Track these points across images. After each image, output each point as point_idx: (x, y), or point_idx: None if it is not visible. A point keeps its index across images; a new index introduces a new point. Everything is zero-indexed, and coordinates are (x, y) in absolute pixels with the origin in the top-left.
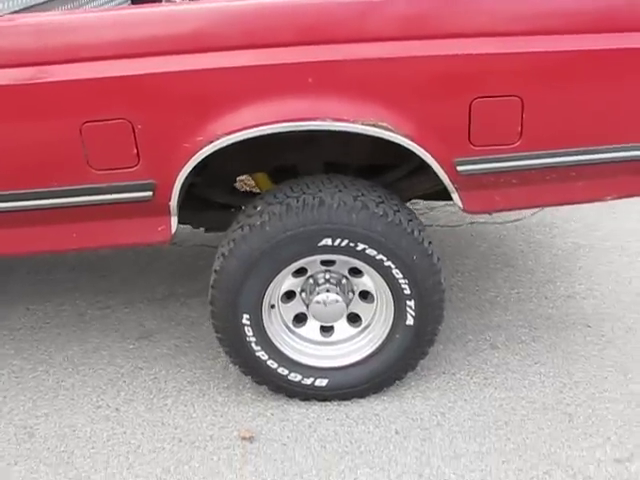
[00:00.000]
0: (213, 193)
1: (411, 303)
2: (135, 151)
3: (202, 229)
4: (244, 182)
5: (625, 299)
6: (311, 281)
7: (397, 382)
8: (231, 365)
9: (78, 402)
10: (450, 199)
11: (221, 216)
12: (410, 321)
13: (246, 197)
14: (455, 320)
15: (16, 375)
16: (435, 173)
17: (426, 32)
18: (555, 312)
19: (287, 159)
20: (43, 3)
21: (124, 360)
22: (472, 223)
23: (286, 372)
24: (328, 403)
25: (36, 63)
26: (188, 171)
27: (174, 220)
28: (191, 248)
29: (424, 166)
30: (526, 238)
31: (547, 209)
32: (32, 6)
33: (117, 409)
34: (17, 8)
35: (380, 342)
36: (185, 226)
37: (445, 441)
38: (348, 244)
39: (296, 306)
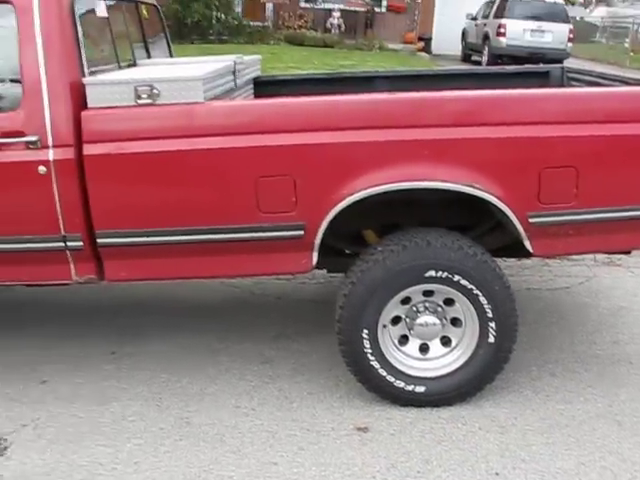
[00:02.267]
0: (338, 241)
1: (492, 324)
2: (294, 199)
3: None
4: None
5: None
6: (414, 309)
7: (478, 392)
8: (341, 382)
9: (220, 403)
10: (511, 256)
11: (340, 260)
12: (492, 339)
13: (356, 245)
14: (521, 356)
15: (165, 384)
16: (509, 228)
17: (508, 120)
18: (602, 353)
19: (395, 218)
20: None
21: (252, 377)
22: (528, 289)
23: (393, 379)
24: (423, 408)
25: (229, 133)
26: (332, 216)
27: (315, 255)
28: (297, 301)
29: (499, 225)
30: (575, 301)
31: (594, 278)
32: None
33: (253, 409)
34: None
35: (466, 358)
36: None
37: (519, 435)
38: (447, 275)
39: (401, 328)
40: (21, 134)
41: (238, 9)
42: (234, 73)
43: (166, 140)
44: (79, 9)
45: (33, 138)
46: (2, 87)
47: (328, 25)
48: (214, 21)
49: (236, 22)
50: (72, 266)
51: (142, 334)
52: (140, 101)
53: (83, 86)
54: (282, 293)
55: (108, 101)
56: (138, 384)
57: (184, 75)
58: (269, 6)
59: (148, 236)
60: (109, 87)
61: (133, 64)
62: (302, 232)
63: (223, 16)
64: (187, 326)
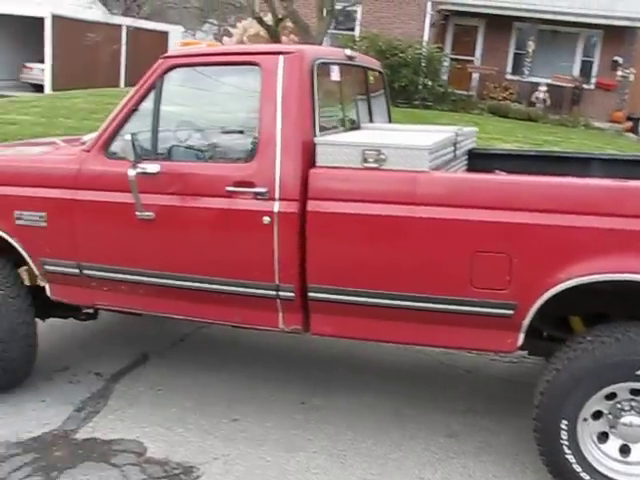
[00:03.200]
0: (542, 324)
1: None
2: (508, 278)
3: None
4: None
5: None
6: (618, 406)
7: None
8: (528, 469)
9: (404, 471)
10: None
11: (542, 343)
12: None
13: (560, 330)
14: None
15: (350, 442)
16: None
17: None
18: None
19: (603, 308)
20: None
21: (437, 449)
22: None
23: (587, 477)
24: None
25: (450, 205)
26: (545, 299)
27: (521, 336)
28: (487, 377)
29: None
30: None
31: None
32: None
33: None
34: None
35: None
36: None
37: None
38: None
39: (602, 425)
40: (252, 185)
41: (444, 77)
42: (455, 144)
43: (387, 205)
44: (317, 73)
45: (262, 190)
46: (239, 139)
47: (533, 99)
48: (420, 87)
49: (442, 89)
50: (281, 315)
51: (331, 389)
52: (366, 164)
53: (314, 145)
54: (472, 367)
55: (336, 161)
56: (324, 438)
57: (412, 143)
58: (475, 76)
59: (358, 296)
60: (338, 148)
61: (357, 127)
62: (512, 312)
63: (429, 83)
64: (374, 386)
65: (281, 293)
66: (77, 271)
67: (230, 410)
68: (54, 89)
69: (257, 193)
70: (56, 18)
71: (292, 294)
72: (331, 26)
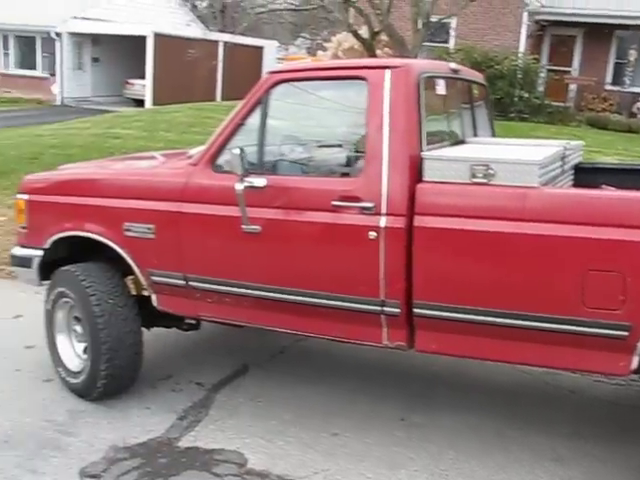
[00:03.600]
0: None
1: None
2: (622, 298)
3: None
4: None
5: None
6: None
7: None
8: None
9: None
10: None
11: None
12: None
13: None
14: None
15: (452, 462)
16: None
17: None
18: None
19: None
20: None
21: (542, 473)
22: None
23: None
24: None
25: (561, 221)
26: None
27: (636, 359)
28: (592, 399)
29: None
30: None
31: None
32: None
33: None
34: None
35: None
36: None
37: None
38: None
39: None
40: (358, 199)
41: (540, 88)
42: (563, 159)
43: (495, 221)
44: (424, 87)
45: (369, 204)
46: (345, 154)
47: (634, 109)
48: (516, 99)
49: (538, 101)
50: (385, 330)
51: (432, 406)
52: (475, 179)
53: (421, 160)
54: (576, 387)
55: (443, 176)
56: (426, 456)
57: (522, 158)
58: (573, 87)
59: (465, 313)
60: (446, 163)
61: (462, 141)
62: (626, 333)
63: (526, 95)
64: (476, 405)
65: (386, 309)
66: (183, 282)
67: (329, 424)
68: (154, 104)
69: (363, 208)
70: (157, 36)
71: (397, 310)
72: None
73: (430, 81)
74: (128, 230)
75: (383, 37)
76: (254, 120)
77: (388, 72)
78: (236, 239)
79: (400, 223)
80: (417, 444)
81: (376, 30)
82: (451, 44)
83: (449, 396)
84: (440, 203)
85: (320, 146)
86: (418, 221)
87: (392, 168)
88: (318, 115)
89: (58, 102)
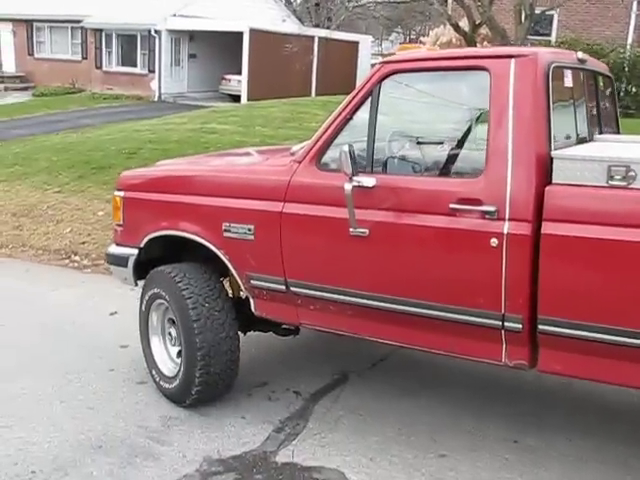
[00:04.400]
0: None
1: None
2: None
3: None
4: None
5: None
6: None
7: None
8: None
9: None
10: None
11: None
12: None
13: None
14: None
15: None
16: None
17: None
18: None
19: None
20: None
21: None
22: None
23: None
24: None
25: None
26: None
27: None
28: None
29: None
30: None
31: None
32: None
33: None
34: None
35: None
36: None
37: None
38: None
39: None
40: (478, 202)
41: None
42: None
43: (636, 229)
44: (552, 78)
45: (491, 208)
46: (464, 152)
47: None
48: (622, 94)
49: None
50: (504, 347)
51: (546, 428)
52: (612, 182)
53: (550, 160)
54: None
55: (575, 178)
56: None
57: None
58: None
59: (597, 332)
60: (580, 163)
61: (589, 139)
62: None
63: (633, 89)
64: (595, 429)
65: (507, 324)
66: (284, 288)
67: (435, 443)
68: (249, 99)
69: (484, 212)
70: (253, 32)
71: (520, 325)
72: None
73: (559, 72)
74: (227, 231)
75: (482, 30)
76: (363, 114)
77: (513, 62)
78: (342, 243)
79: (526, 230)
80: (530, 470)
81: (477, 22)
82: (553, 37)
83: (563, 417)
84: (572, 208)
85: (435, 143)
86: (546, 228)
87: (517, 168)
88: (433, 109)
89: (156, 98)
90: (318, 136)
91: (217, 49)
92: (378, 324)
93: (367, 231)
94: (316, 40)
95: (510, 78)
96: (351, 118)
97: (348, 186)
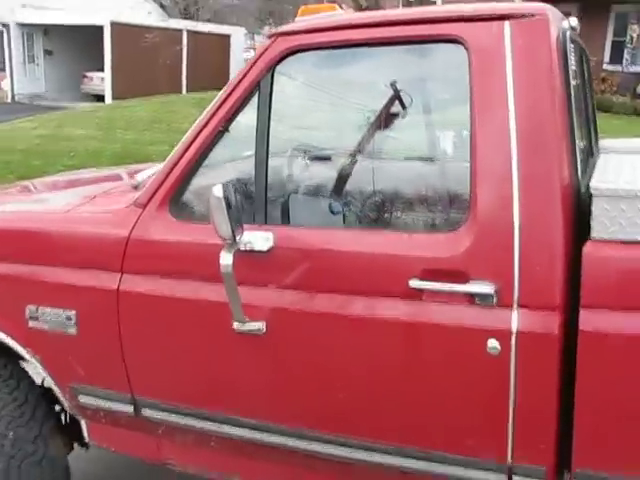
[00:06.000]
0: None
1: None
2: None
3: None
4: None
5: None
6: None
7: None
8: None
9: None
10: None
11: None
12: None
13: None
14: None
15: None
16: None
17: None
18: None
19: None
20: None
21: None
22: None
23: None
24: None
25: None
26: None
27: None
28: None
29: None
30: None
31: None
32: None
33: None
34: None
35: None
36: None
37: None
38: None
39: None
40: (460, 276)
41: None
42: None
43: None
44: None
45: (485, 287)
46: (426, 185)
47: (639, 90)
48: None
49: None
50: None
51: None
52: None
53: (588, 197)
54: None
55: (622, 228)
56: None
57: None
58: None
59: None
60: (627, 202)
61: (594, 151)
62: None
63: None
64: None
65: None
66: (131, 409)
67: None
68: (115, 98)
69: (473, 294)
70: (115, 25)
71: None
72: None
73: (569, 45)
74: (33, 318)
75: None
76: (245, 121)
77: (507, 25)
78: (222, 343)
79: (552, 324)
80: None
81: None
82: None
83: None
84: (630, 283)
85: (376, 169)
86: (588, 319)
87: (527, 214)
88: (366, 110)
89: (9, 99)
90: (172, 163)
91: (76, 45)
92: (292, 469)
93: (262, 326)
94: (185, 33)
95: (506, 54)
96: (226, 130)
97: (226, 258)
